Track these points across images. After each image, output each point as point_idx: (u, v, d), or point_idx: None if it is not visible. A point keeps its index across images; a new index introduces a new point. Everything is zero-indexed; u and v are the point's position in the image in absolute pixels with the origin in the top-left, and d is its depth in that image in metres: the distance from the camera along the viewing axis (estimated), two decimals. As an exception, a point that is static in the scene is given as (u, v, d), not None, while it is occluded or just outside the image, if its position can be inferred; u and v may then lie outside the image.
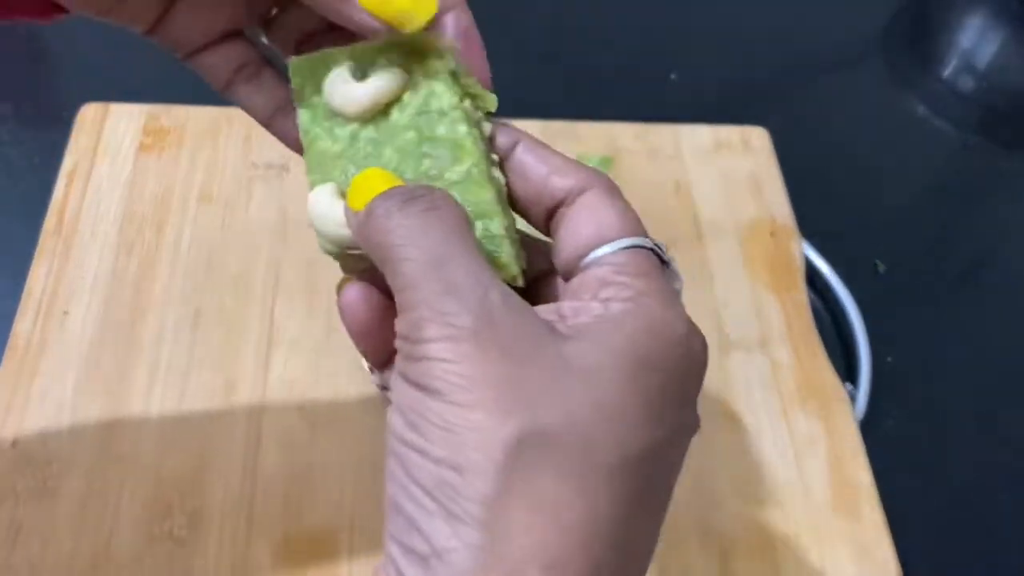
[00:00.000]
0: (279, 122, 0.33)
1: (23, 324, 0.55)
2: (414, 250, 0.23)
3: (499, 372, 0.20)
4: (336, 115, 0.30)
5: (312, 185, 0.30)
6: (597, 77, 0.77)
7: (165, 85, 0.60)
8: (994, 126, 0.82)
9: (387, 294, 0.26)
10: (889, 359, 0.62)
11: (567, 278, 0.26)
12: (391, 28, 0.27)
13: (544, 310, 0.24)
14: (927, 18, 0.89)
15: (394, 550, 0.20)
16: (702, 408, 0.25)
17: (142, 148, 0.63)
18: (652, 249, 0.25)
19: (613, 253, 0.24)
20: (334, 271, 0.29)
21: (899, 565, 0.51)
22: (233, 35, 0.33)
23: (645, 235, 0.26)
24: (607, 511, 0.20)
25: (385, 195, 0.25)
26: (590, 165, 0.57)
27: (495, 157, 0.28)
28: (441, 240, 0.23)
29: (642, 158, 0.68)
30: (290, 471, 0.51)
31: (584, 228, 0.26)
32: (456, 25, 0.28)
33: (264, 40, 0.34)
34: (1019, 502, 0.58)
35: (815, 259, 0.65)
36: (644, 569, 0.21)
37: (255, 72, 0.33)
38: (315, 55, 0.30)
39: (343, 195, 0.28)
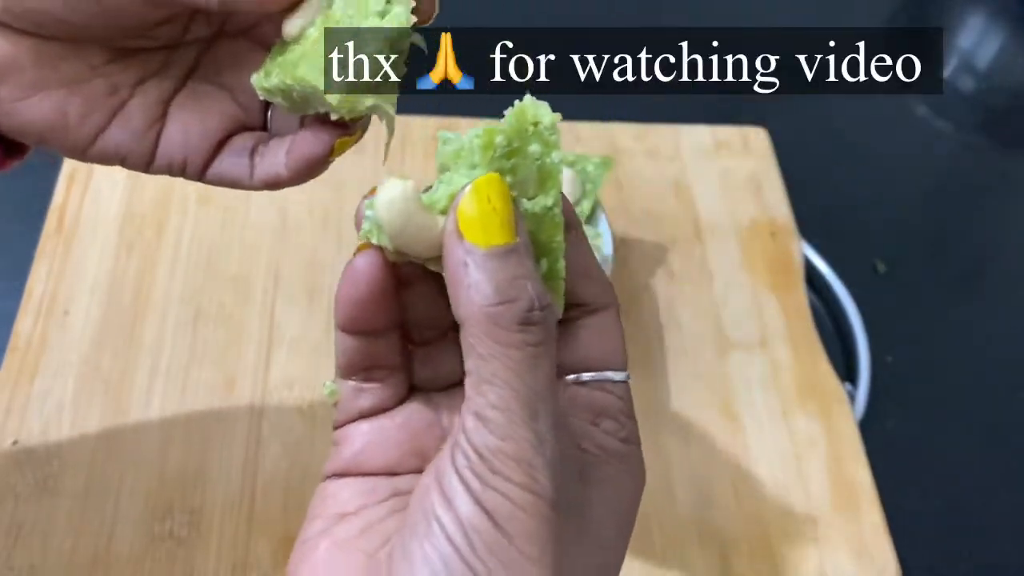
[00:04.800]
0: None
1: (23, 324, 0.55)
2: (518, 381, 0.23)
3: (558, 534, 0.23)
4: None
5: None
6: (597, 77, 0.77)
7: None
8: (994, 126, 0.82)
9: (398, 271, 0.27)
10: (889, 359, 0.62)
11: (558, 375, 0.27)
12: None
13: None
14: (927, 18, 0.89)
15: None
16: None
17: (142, 148, 0.63)
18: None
19: (614, 384, 0.27)
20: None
21: (899, 565, 0.51)
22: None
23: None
24: None
25: (515, 277, 0.23)
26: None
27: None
28: (544, 384, 0.23)
29: (642, 158, 0.68)
30: (290, 471, 0.51)
31: (597, 347, 0.27)
32: None
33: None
34: (1019, 502, 0.58)
35: (815, 259, 0.65)
36: None
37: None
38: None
39: (430, 201, 0.24)
